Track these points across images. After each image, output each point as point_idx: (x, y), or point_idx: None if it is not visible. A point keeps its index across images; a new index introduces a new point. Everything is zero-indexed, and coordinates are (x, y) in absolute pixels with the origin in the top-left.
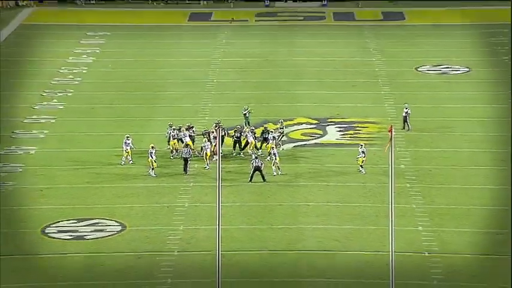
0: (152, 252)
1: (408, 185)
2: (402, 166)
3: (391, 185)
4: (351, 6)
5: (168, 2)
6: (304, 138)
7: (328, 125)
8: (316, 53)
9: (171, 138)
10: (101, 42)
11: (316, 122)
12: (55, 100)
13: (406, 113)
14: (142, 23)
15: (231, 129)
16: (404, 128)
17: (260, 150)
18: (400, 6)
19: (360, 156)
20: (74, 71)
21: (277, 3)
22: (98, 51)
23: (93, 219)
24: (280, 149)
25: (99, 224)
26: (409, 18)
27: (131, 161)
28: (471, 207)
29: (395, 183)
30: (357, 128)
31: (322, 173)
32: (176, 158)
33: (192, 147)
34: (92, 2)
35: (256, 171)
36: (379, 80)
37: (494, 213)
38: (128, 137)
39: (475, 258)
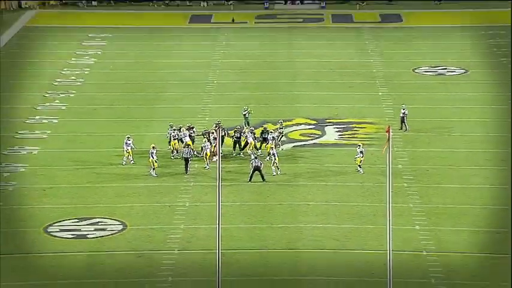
0: (153, 250)
1: (405, 184)
2: (400, 166)
3: (388, 185)
4: (349, 9)
5: (169, 4)
6: (303, 138)
7: (327, 125)
8: (314, 54)
9: (172, 139)
10: (103, 44)
11: (315, 122)
12: (57, 101)
13: (404, 113)
14: (143, 25)
15: (231, 130)
16: (401, 129)
17: (260, 151)
18: (398, 8)
19: (358, 156)
20: (76, 72)
21: (277, 6)
22: (99, 52)
23: (94, 218)
24: (280, 149)
25: (101, 223)
26: (406, 20)
27: (132, 161)
28: (468, 206)
29: (393, 183)
30: (355, 129)
31: (321, 173)
32: (177, 158)
33: (192, 147)
34: (93, 4)
35: (256, 171)
36: (377, 81)
37: (491, 212)
38: (128, 137)
39: (473, 256)
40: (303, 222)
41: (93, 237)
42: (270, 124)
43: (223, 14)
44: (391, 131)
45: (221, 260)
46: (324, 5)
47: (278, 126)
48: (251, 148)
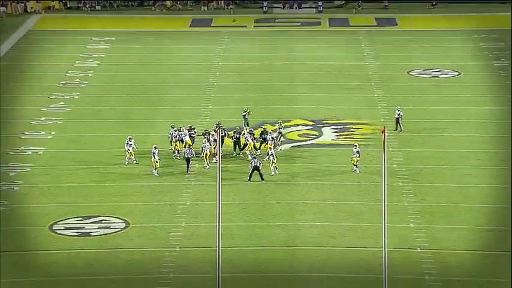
0: (155, 248)
1: (400, 183)
2: (395, 166)
3: (384, 184)
4: (346, 13)
5: (170, 8)
6: (301, 139)
7: (324, 126)
8: (312, 57)
9: (173, 139)
10: (106, 47)
11: (312, 123)
12: (62, 102)
13: (399, 114)
14: (146, 28)
15: (231, 131)
16: (396, 129)
17: (259, 151)
18: (393, 12)
19: (354, 156)
20: (80, 74)
21: (275, 10)
22: (103, 55)
23: (98, 216)
24: (278, 150)
25: (104, 221)
26: (401, 24)
27: (135, 161)
28: (461, 205)
29: (388, 182)
30: (351, 129)
31: (318, 173)
32: (178, 158)
33: (192, 148)
34: (97, 8)
35: (255, 171)
36: (373, 83)
37: (484, 210)
38: (130, 138)
39: (466, 253)
40: (301, 221)
41: (97, 235)
42: (268, 125)
43: (223, 18)
44: (386, 131)
45: (221, 257)
46: (321, 9)
47: (277, 126)
48: (250, 149)
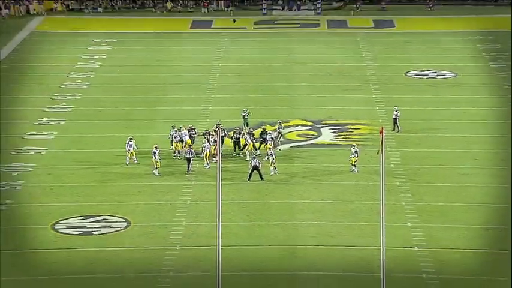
0: (155, 247)
1: (398, 183)
2: (392, 165)
3: (381, 184)
4: (344, 15)
5: (171, 10)
6: (299, 139)
7: (323, 126)
8: (311, 58)
9: (174, 140)
10: (108, 48)
11: (311, 123)
12: (64, 103)
13: (396, 115)
14: (147, 30)
15: (230, 131)
16: (394, 130)
17: (258, 151)
18: (391, 14)
19: (353, 156)
20: (82, 75)
21: (274, 12)
22: (104, 57)
23: (100, 215)
24: (277, 150)
25: (106, 221)
26: (398, 25)
27: (136, 161)
28: (457, 204)
29: (385, 181)
30: (350, 130)
31: (317, 172)
32: (179, 158)
33: (192, 148)
34: (98, 10)
35: (254, 171)
36: (371, 84)
37: (480, 209)
38: (131, 138)
39: (462, 252)
40: (300, 220)
41: (99, 234)
42: (268, 125)
43: (223, 20)
44: (384, 132)
45: (221, 256)
46: (319, 11)
47: (277, 126)
48: (249, 149)
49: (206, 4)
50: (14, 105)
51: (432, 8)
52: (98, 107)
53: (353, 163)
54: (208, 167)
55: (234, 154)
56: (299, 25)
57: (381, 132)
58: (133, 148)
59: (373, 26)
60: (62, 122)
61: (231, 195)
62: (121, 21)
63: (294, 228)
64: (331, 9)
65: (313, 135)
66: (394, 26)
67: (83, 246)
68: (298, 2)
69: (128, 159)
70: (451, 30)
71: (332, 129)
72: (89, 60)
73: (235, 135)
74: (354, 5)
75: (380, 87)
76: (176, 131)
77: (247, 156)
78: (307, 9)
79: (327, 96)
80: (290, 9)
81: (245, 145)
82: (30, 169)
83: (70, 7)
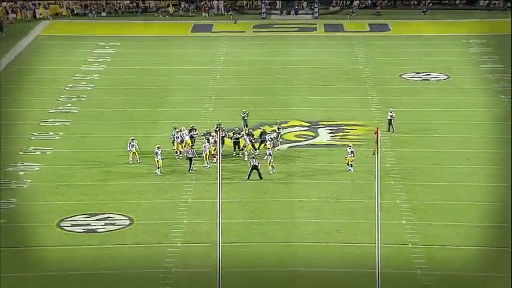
0: (158, 244)
1: (393, 182)
2: (387, 165)
3: (377, 183)
4: (341, 19)
5: (173, 15)
6: (297, 139)
7: (320, 127)
8: (308, 61)
9: (175, 140)
10: (111, 51)
11: (309, 124)
12: (69, 104)
13: (391, 116)
14: (149, 34)
15: (230, 131)
16: (389, 130)
17: (258, 151)
18: (386, 18)
19: (349, 156)
20: (87, 78)
21: (273, 16)
22: (108, 59)
23: (104, 214)
24: (276, 150)
25: (110, 219)
26: (393, 29)
27: (139, 161)
28: (451, 202)
29: (381, 180)
30: (346, 130)
31: (315, 172)
32: (180, 158)
33: (193, 147)
34: (102, 15)
35: (254, 170)
36: (366, 86)
37: (473, 207)
38: (132, 139)
39: (455, 249)
40: (298, 218)
41: (103, 232)
42: (267, 126)
43: (223, 24)
44: (379, 132)
45: (221, 253)
46: (317, 15)
47: (276, 127)
48: (248, 150)
49: (207, 9)
50: (20, 107)
51: (426, 13)
52: (102, 108)
53: (349, 163)
54: (209, 166)
55: (233, 154)
56: (297, 29)
57: (376, 132)
58: (136, 148)
59: (369, 29)
60: (67, 123)
61: (231, 194)
62: (124, 25)
63: (292, 226)
64: (328, 14)
65: (310, 135)
66: (389, 30)
67: (88, 244)
68: (296, 7)
69: (130, 159)
70: (444, 34)
71: (329, 129)
72: (93, 63)
73: (234, 135)
74: (350, 10)
75: (375, 89)
76: (178, 131)
77: (246, 157)
78: (305, 14)
79: (324, 98)
80: (288, 14)
81: (245, 145)
82: (37, 168)
83: (75, 12)
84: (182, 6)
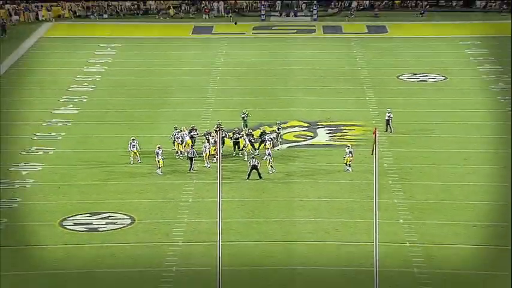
0: (159, 242)
1: (391, 182)
2: (385, 165)
3: (375, 182)
4: (339, 21)
5: (174, 16)
6: (297, 139)
7: (319, 127)
8: (307, 62)
9: (176, 140)
10: (113, 53)
11: (308, 125)
12: (71, 105)
13: (389, 116)
14: (150, 35)
15: (230, 132)
16: (387, 131)
17: (257, 151)
18: (383, 20)
19: (347, 156)
20: (89, 79)
21: (272, 18)
22: (110, 61)
23: (105, 213)
24: (276, 150)
25: (111, 218)
26: (391, 31)
27: (140, 161)
28: (448, 202)
29: (379, 180)
30: (344, 131)
31: (314, 171)
32: (181, 158)
33: (193, 147)
34: (104, 17)
35: (253, 170)
36: (364, 87)
37: (469, 207)
38: (133, 139)
39: (452, 248)
40: (297, 217)
41: (104, 231)
42: (266, 126)
43: (223, 26)
44: (377, 132)
45: (221, 251)
46: (315, 17)
47: (276, 127)
48: (247, 150)
49: (207, 11)
50: (23, 107)
51: (423, 15)
52: (104, 109)
53: (348, 163)
54: (209, 166)
55: (233, 154)
56: (296, 31)
57: (374, 133)
58: (136, 148)
59: (367, 31)
60: (69, 124)
61: (231, 193)
62: (126, 27)
63: (291, 225)
64: (326, 16)
65: (309, 136)
66: (387, 32)
67: (90, 242)
68: (295, 9)
69: (132, 159)
70: (441, 36)
71: (328, 130)
72: (95, 64)
73: (234, 135)
74: (349, 12)
75: (373, 90)
76: (178, 132)
77: (245, 157)
78: (304, 16)
79: (322, 99)
80: (287, 16)
81: (244, 146)
82: (39, 168)
83: (77, 14)
84: (183, 8)
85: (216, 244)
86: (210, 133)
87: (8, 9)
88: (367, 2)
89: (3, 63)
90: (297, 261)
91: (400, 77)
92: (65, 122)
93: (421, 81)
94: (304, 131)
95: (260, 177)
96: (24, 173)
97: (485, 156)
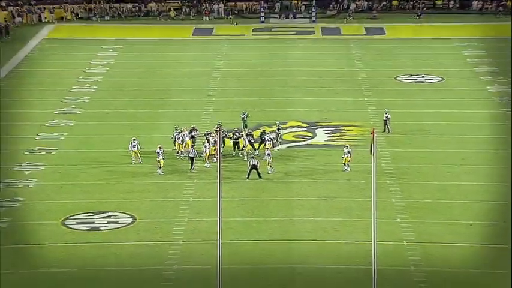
0: (160, 241)
1: (388, 181)
2: (383, 165)
3: (373, 182)
4: (337, 22)
5: (174, 18)
6: (296, 140)
7: (317, 128)
8: (306, 63)
9: (177, 140)
10: (115, 54)
11: (307, 125)
12: (73, 106)
13: (387, 117)
14: (151, 37)
15: (230, 132)
16: (384, 131)
17: (257, 151)
18: (381, 22)
19: (346, 155)
20: (91, 80)
21: (272, 20)
22: (111, 62)
23: (107, 212)
24: (276, 150)
25: (113, 217)
26: (389, 33)
27: (141, 161)
28: (445, 201)
29: (377, 180)
30: (343, 131)
31: (312, 171)
32: (182, 158)
33: (194, 147)
34: (106, 18)
35: (253, 169)
36: (362, 88)
37: (466, 206)
38: (134, 139)
39: (449, 246)
40: (296, 216)
41: (106, 229)
42: (266, 127)
43: (224, 28)
44: (375, 133)
45: (221, 250)
46: (314, 19)
47: (276, 127)
48: (246, 150)
49: (207, 12)
50: (26, 108)
51: (420, 17)
52: (105, 109)
53: (346, 163)
54: (209, 166)
55: (233, 154)
56: (295, 32)
57: (372, 133)
58: (137, 148)
59: (365, 33)
60: (71, 124)
61: (231, 193)
62: (127, 28)
63: (290, 224)
64: (325, 18)
65: (308, 136)
66: (385, 33)
67: (91, 241)
68: (294, 11)
69: (133, 158)
70: (438, 37)
71: (326, 130)
72: (97, 66)
73: (234, 136)
74: (347, 14)
75: (371, 91)
76: (179, 132)
77: (245, 157)
78: (303, 18)
79: (321, 99)
80: (286, 18)
81: (244, 146)
82: (42, 168)
83: (79, 15)
84: (183, 10)
85: (216, 243)
86: (210, 133)
87: (11, 11)
88: (365, 4)
89: (6, 65)
90: (296, 260)
91: (397, 78)
92: (67, 123)
93: (418, 82)
94: (303, 131)
95: (260, 177)
96: (27, 172)
97: (482, 156)
